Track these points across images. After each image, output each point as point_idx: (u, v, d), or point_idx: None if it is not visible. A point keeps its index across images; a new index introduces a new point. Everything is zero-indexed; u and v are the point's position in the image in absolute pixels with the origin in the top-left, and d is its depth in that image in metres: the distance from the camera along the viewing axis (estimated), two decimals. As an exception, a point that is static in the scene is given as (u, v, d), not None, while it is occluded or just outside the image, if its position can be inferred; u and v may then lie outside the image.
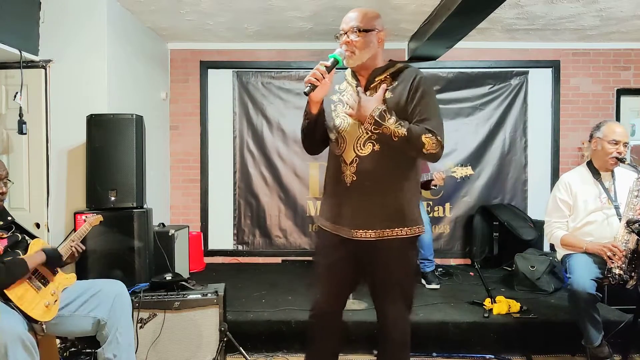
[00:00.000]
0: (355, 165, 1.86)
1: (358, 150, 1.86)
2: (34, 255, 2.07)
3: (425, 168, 4.10)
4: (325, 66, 1.78)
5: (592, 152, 2.85)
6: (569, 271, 2.64)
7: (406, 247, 1.93)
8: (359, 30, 1.84)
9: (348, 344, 2.88)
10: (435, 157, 1.84)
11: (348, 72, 2.01)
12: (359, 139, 1.87)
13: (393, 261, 1.91)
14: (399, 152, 1.83)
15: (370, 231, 1.87)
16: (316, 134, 1.96)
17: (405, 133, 1.76)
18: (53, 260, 2.13)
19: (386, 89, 1.86)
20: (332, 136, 1.95)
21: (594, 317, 2.49)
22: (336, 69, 1.85)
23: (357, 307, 3.17)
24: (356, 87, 1.93)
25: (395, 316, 1.96)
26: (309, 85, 1.77)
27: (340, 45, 1.87)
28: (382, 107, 1.79)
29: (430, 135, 1.78)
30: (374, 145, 1.85)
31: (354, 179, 1.86)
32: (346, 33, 1.86)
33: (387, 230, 1.87)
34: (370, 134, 1.84)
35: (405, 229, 1.89)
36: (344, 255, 1.95)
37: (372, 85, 1.92)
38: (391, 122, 1.77)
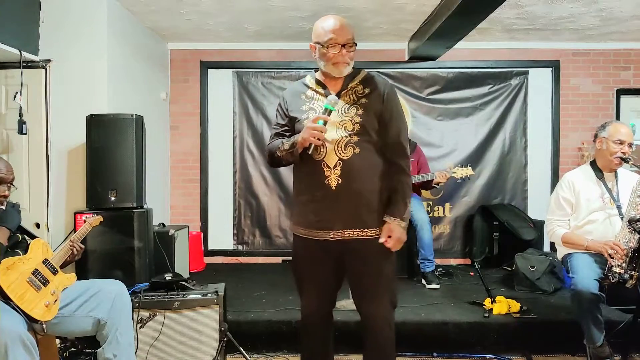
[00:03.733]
0: (339, 168, 1.90)
1: (340, 154, 1.91)
2: None
3: (425, 169, 4.11)
4: (324, 122, 1.86)
5: (596, 151, 2.86)
6: (572, 271, 2.64)
7: None
8: (355, 45, 1.94)
9: (348, 344, 2.88)
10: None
11: (310, 80, 2.06)
12: (339, 143, 1.92)
13: (379, 258, 1.96)
14: (377, 153, 1.96)
15: (357, 230, 1.93)
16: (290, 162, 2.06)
17: (409, 202, 1.99)
18: (8, 221, 2.10)
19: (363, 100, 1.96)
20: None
21: (597, 317, 2.49)
22: (297, 78, 1.92)
23: (353, 307, 3.15)
24: (324, 93, 2.00)
25: (384, 316, 1.99)
26: (311, 145, 1.86)
27: (331, 57, 1.90)
28: (399, 222, 1.93)
29: (408, 163, 2.00)
30: (354, 149, 1.91)
31: (340, 182, 1.90)
32: (343, 45, 1.90)
33: (375, 229, 1.94)
34: (349, 137, 1.91)
35: None
36: (325, 258, 2.00)
37: (344, 92, 1.99)
38: (407, 216, 1.97)
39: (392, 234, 1.92)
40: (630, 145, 2.75)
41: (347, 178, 1.90)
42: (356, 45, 1.94)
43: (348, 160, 1.90)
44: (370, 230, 1.94)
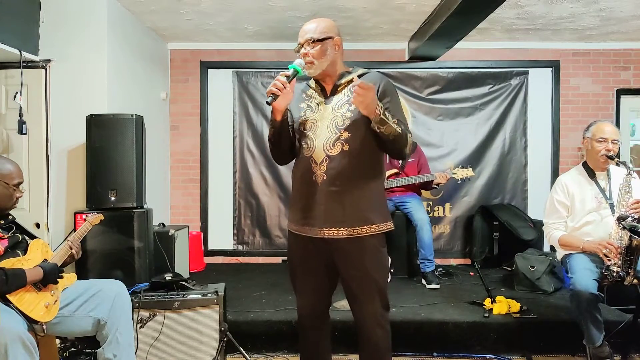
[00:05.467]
0: (325, 164, 1.90)
1: (328, 150, 1.91)
2: (32, 271, 2.04)
3: (426, 169, 4.11)
4: (286, 76, 1.88)
5: (586, 152, 2.88)
6: (571, 271, 2.64)
7: (378, 244, 1.97)
8: (314, 41, 1.93)
9: (348, 344, 2.88)
10: (404, 155, 1.98)
11: (312, 80, 2.09)
12: (328, 140, 1.92)
13: (366, 259, 1.94)
14: (367, 151, 1.92)
15: (342, 229, 1.91)
16: (282, 141, 2.01)
17: (400, 132, 1.84)
18: (50, 277, 2.08)
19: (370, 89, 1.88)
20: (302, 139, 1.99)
21: (596, 317, 2.49)
22: (299, 78, 1.94)
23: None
24: (321, 92, 2.02)
25: (374, 317, 1.97)
26: (271, 95, 1.85)
27: (300, 57, 1.96)
28: (382, 106, 1.83)
29: (410, 134, 1.92)
30: (342, 145, 1.90)
31: (325, 178, 1.90)
32: (302, 45, 1.95)
33: (357, 228, 1.91)
34: (339, 134, 1.90)
35: (374, 226, 1.94)
36: (317, 257, 1.99)
37: (339, 89, 2.00)
38: (392, 120, 1.83)
39: (368, 86, 1.73)
40: (614, 142, 2.74)
41: (333, 175, 1.89)
42: (316, 41, 1.91)
43: (335, 157, 1.89)
44: (354, 229, 1.90)
